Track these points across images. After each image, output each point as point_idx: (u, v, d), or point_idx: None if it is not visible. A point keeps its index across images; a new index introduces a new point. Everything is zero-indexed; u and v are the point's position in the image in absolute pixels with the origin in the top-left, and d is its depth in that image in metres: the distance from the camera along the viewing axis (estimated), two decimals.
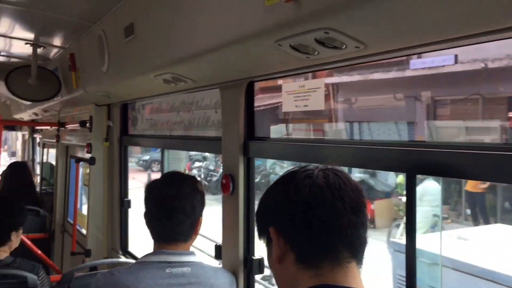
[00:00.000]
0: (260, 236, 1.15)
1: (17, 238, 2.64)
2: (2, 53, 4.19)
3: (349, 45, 1.26)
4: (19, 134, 10.70)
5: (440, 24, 1.06)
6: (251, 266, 2.14)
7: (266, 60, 1.66)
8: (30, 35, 3.59)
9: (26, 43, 3.69)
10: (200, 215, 1.87)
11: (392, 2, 1.02)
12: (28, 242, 3.90)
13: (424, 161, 1.34)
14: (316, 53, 1.37)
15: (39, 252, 3.99)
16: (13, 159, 8.10)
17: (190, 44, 1.83)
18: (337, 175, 1.06)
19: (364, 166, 1.65)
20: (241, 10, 1.45)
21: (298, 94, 1.87)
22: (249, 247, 2.18)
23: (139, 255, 3.51)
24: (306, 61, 1.48)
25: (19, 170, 5.48)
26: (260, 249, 1.18)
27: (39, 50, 3.76)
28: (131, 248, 3.78)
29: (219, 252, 2.32)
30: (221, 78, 2.16)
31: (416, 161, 1.36)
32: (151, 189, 1.87)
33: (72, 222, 4.46)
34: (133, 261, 2.91)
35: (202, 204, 1.88)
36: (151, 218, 1.84)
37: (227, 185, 2.20)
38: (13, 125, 8.54)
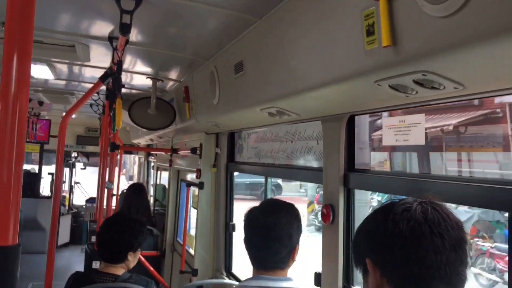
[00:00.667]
0: (356, 265, 1.17)
1: (135, 257, 2.79)
2: (126, 86, 4.64)
3: (447, 86, 1.29)
4: (136, 158, 11.55)
5: None
6: None
7: (366, 97, 1.73)
8: (150, 70, 3.97)
9: (147, 77, 4.08)
10: (297, 242, 1.91)
11: (489, 46, 1.05)
12: (143, 259, 4.22)
13: None
14: (415, 92, 1.42)
15: (152, 269, 4.30)
16: (131, 183, 8.76)
17: (294, 81, 1.95)
18: (436, 210, 1.06)
19: (465, 203, 1.64)
20: (342, 52, 1.54)
21: (398, 128, 1.91)
22: (348, 276, 2.22)
23: (241, 276, 3.66)
24: (405, 99, 1.53)
25: (137, 191, 5.91)
26: (360, 279, 1.22)
27: (158, 83, 4.14)
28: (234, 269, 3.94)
29: (318, 280, 2.38)
30: (323, 112, 2.26)
31: None
32: (250, 217, 1.93)
33: (181, 242, 4.75)
34: (236, 282, 3.05)
35: (298, 232, 1.91)
36: (249, 245, 1.91)
37: (327, 215, 2.26)
38: (132, 150, 9.26)
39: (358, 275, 2.09)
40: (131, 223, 2.81)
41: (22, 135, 0.84)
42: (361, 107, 1.96)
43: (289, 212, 1.92)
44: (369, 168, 2.21)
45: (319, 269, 2.39)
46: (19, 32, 0.84)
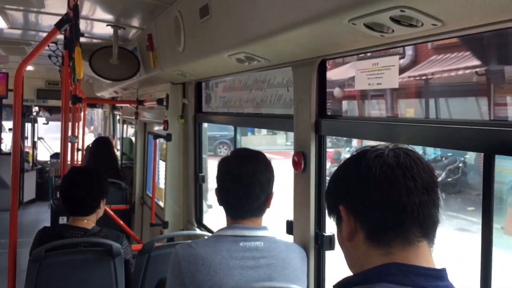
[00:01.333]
0: (330, 214, 1.17)
1: (102, 207, 2.80)
2: (85, 35, 4.43)
3: (425, 22, 1.24)
4: (100, 111, 11.29)
5: None
6: (322, 242, 2.18)
7: (339, 38, 1.66)
8: (111, 17, 3.77)
9: (108, 25, 3.88)
10: (272, 188, 1.93)
11: None
12: (112, 213, 4.16)
13: (505, 140, 1.29)
14: (391, 31, 1.36)
15: (121, 222, 4.25)
16: None
17: (264, 24, 1.85)
18: (408, 154, 1.06)
19: (439, 145, 1.62)
20: None
21: (371, 72, 1.85)
22: (320, 223, 2.21)
23: (212, 227, 3.66)
24: (380, 39, 1.47)
25: (103, 145, 5.80)
26: (331, 226, 1.21)
27: (119, 32, 3.95)
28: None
29: (290, 228, 2.38)
30: (293, 57, 2.18)
31: (496, 141, 1.32)
32: (227, 166, 1.92)
33: (150, 195, 4.70)
34: (208, 233, 3.04)
35: (273, 178, 1.94)
36: (227, 194, 1.90)
37: (298, 163, 2.23)
38: (95, 103, 9.01)
39: (329, 222, 2.10)
40: (93, 174, 2.79)
41: None
42: (333, 50, 1.89)
43: (264, 158, 1.95)
44: (340, 114, 2.16)
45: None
46: None
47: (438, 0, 1.11)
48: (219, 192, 1.94)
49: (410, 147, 1.10)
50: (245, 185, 1.85)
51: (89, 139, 8.51)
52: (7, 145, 10.24)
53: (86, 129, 7.72)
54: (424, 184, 1.03)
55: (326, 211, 1.19)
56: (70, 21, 2.71)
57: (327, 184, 1.19)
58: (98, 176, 2.78)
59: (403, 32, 1.35)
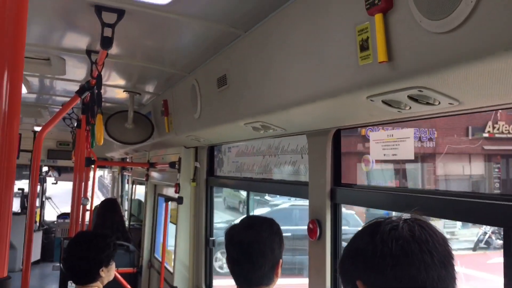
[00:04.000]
0: (346, 287, 1.16)
1: (109, 272, 2.70)
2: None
3: (442, 101, 1.29)
4: (107, 171, 11.33)
5: None
6: None
7: (356, 112, 1.72)
8: (127, 83, 3.90)
9: (124, 91, 4.01)
10: (280, 257, 1.89)
11: (487, 63, 1.05)
12: (119, 276, 4.11)
13: None
14: (408, 108, 1.41)
15: (128, 286, 4.19)
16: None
17: (281, 96, 1.92)
18: (422, 227, 1.06)
19: (453, 217, 1.64)
20: (334, 67, 1.53)
21: (386, 143, 1.90)
22: None
23: None
24: (397, 114, 1.52)
25: (110, 207, 5.79)
26: None
27: (135, 97, 4.06)
28: None
29: None
30: (309, 127, 2.24)
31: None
32: (231, 234, 1.92)
33: (158, 258, 4.65)
34: None
35: (281, 247, 1.90)
36: (232, 262, 1.88)
37: (314, 230, 2.23)
38: (107, 165, 9.09)
39: None
40: (95, 239, 2.72)
41: (14, 151, 0.79)
42: (349, 122, 1.95)
43: (270, 226, 1.92)
44: (355, 183, 2.19)
45: None
46: (8, 47, 0.79)
47: (456, 83, 1.17)
48: (227, 260, 1.93)
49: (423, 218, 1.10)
50: (246, 252, 1.83)
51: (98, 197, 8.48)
52: (13, 205, 10.21)
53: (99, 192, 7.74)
54: (441, 258, 1.03)
55: (342, 284, 1.18)
56: (91, 88, 2.82)
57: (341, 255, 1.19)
58: (98, 243, 2.69)
59: (420, 109, 1.40)
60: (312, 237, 2.25)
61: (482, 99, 1.25)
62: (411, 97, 1.33)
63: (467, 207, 1.50)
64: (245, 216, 2.16)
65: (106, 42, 2.10)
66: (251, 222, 1.94)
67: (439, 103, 1.30)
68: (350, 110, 1.71)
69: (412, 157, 1.79)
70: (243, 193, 12.31)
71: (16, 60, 0.80)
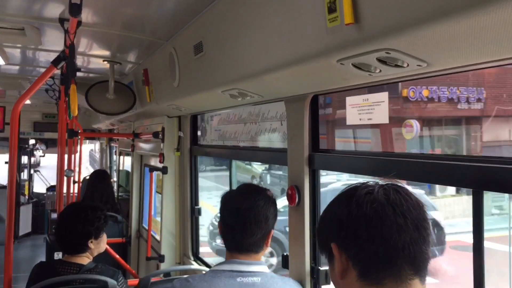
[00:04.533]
0: (322, 251, 1.18)
1: (99, 244, 2.73)
2: (82, 70, 4.49)
3: (411, 63, 1.27)
4: (97, 143, 11.30)
5: (503, 43, 1.06)
6: (318, 277, 2.17)
7: (329, 77, 1.70)
8: (108, 53, 3.83)
9: (104, 60, 3.94)
10: (272, 227, 1.93)
11: (453, 22, 1.03)
12: (108, 247, 4.13)
13: (492, 176, 1.32)
14: (378, 71, 1.40)
15: (118, 256, 4.22)
16: None
17: (256, 62, 1.90)
18: (398, 191, 1.07)
19: (429, 180, 1.64)
20: (304, 32, 1.50)
21: (362, 107, 1.89)
22: (315, 257, 2.21)
23: (208, 261, 3.64)
24: (368, 78, 1.51)
25: (100, 178, 5.79)
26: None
27: (115, 67, 4.00)
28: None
29: (286, 262, 2.37)
30: (286, 93, 2.22)
31: (484, 177, 1.34)
32: (227, 200, 1.95)
33: (146, 227, 4.68)
34: (204, 267, 3.02)
35: (274, 217, 1.93)
36: (225, 228, 1.91)
37: (293, 196, 2.24)
38: (92, 136, 9.05)
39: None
40: (84, 211, 2.73)
41: None
42: (324, 86, 1.93)
43: (267, 195, 1.95)
44: (333, 148, 2.19)
45: None
46: None
47: (421, 44, 1.15)
48: (219, 224, 1.96)
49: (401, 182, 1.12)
50: (241, 219, 1.86)
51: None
52: (1, 178, 10.21)
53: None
54: (414, 221, 1.04)
55: (318, 248, 1.20)
56: (66, 58, 2.75)
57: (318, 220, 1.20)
58: (88, 215, 2.70)
59: (390, 72, 1.38)
60: (291, 203, 2.26)
61: (450, 60, 1.24)
62: (380, 60, 1.31)
63: (444, 170, 1.50)
64: (241, 184, 2.18)
65: (75, 9, 2.04)
66: (249, 189, 1.97)
67: (408, 65, 1.29)
68: (323, 75, 1.69)
69: (387, 121, 1.78)
70: (256, 167, 11.68)
71: None
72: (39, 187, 11.11)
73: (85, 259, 2.68)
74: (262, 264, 1.90)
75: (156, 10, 2.56)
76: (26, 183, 10.28)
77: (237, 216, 1.87)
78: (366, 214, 1.05)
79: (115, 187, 7.20)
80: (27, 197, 10.00)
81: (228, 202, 1.94)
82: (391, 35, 1.16)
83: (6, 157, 9.84)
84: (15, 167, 2.91)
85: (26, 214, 9.44)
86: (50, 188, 9.83)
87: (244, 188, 2.01)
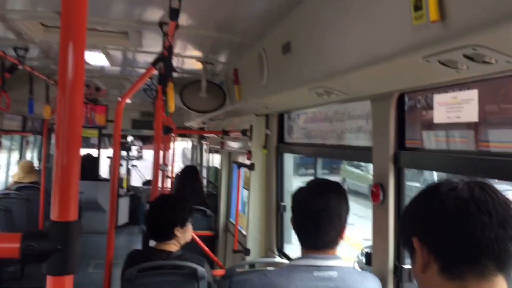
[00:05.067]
0: (404, 245, 1.20)
1: (184, 233, 2.89)
2: (177, 70, 4.75)
3: (499, 60, 1.26)
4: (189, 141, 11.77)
5: None
6: (401, 275, 2.16)
7: (415, 74, 1.70)
8: (201, 54, 4.04)
9: (197, 61, 4.15)
10: (346, 221, 1.92)
11: None
12: (197, 238, 4.34)
13: None
14: (465, 67, 1.39)
15: (206, 248, 4.42)
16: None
17: (341, 60, 1.94)
18: (483, 188, 1.06)
19: None
20: (389, 29, 1.52)
21: (450, 105, 1.86)
22: (399, 255, 2.20)
23: (292, 255, 3.70)
24: (455, 75, 1.49)
25: (190, 173, 6.06)
26: None
27: (208, 67, 4.20)
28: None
29: (369, 259, 2.38)
30: (371, 91, 2.23)
31: None
32: (299, 199, 1.94)
33: (233, 222, 4.85)
34: (287, 261, 3.10)
35: (347, 212, 1.92)
36: (299, 227, 1.93)
37: (377, 194, 2.25)
38: (184, 133, 9.46)
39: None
40: (171, 201, 2.93)
41: (78, 119, 0.90)
42: (410, 84, 1.93)
43: (338, 192, 1.93)
44: (420, 147, 2.17)
45: None
46: (74, 21, 0.90)
47: (508, 39, 1.14)
48: (292, 222, 1.96)
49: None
50: (314, 220, 1.86)
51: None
52: (103, 171, 10.97)
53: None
54: (500, 218, 1.03)
55: (400, 242, 1.22)
56: (164, 59, 2.96)
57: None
58: (174, 205, 2.89)
59: (477, 69, 1.37)
60: (376, 201, 2.27)
61: None
62: (466, 56, 1.30)
63: None
64: (311, 179, 2.19)
65: (174, 14, 2.21)
66: (319, 188, 1.94)
67: (496, 61, 1.27)
68: (409, 72, 1.70)
69: (476, 119, 1.74)
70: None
71: (79, 32, 0.90)
72: (135, 181, 11.83)
73: (173, 247, 2.85)
74: (338, 258, 1.89)
75: (246, 12, 2.68)
76: (125, 177, 10.99)
77: (310, 217, 1.87)
78: (448, 210, 1.05)
79: (205, 183, 7.48)
80: (125, 189, 10.67)
81: (300, 203, 1.92)
82: (477, 31, 1.16)
83: (108, 152, 10.60)
84: (117, 162, 3.18)
85: (124, 205, 10.07)
86: (146, 183, 10.43)
87: (314, 186, 1.98)
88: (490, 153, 1.78)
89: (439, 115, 1.97)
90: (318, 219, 1.86)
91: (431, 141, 2.05)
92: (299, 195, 1.96)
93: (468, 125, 1.84)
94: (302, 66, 2.40)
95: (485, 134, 1.80)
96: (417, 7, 1.33)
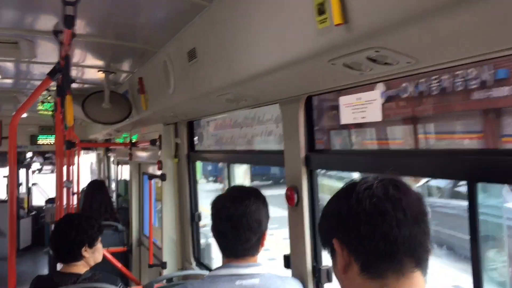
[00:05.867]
0: (324, 247, 1.20)
1: (94, 253, 2.73)
2: (77, 81, 4.50)
3: (401, 61, 1.30)
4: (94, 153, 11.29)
5: (485, 39, 1.09)
6: (320, 276, 2.19)
7: (321, 77, 1.72)
8: (102, 63, 3.85)
9: (99, 71, 3.96)
10: (266, 228, 1.93)
11: (441, 19, 1.05)
12: (109, 255, 4.15)
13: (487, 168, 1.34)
14: (369, 69, 1.42)
15: (119, 265, 4.23)
16: None
17: (249, 66, 1.92)
18: (396, 186, 1.09)
19: (425, 175, 1.67)
20: (295, 34, 1.52)
21: (355, 106, 1.91)
22: (316, 256, 2.23)
23: (210, 265, 3.65)
24: (360, 77, 1.53)
25: (97, 188, 5.80)
26: (328, 258, 1.24)
27: (110, 76, 4.02)
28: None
29: (288, 262, 2.39)
30: (280, 95, 2.24)
31: (478, 169, 1.37)
32: (218, 207, 1.93)
33: (147, 235, 4.69)
34: (206, 272, 3.04)
35: (267, 218, 1.93)
36: (218, 235, 1.91)
37: (291, 197, 2.26)
38: (89, 147, 9.03)
39: (325, 255, 2.11)
40: (77, 220, 2.75)
41: None
42: (317, 87, 1.96)
43: (257, 198, 1.94)
44: (329, 148, 2.21)
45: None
46: None
47: (409, 42, 1.18)
48: (213, 230, 1.95)
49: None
50: (234, 226, 1.85)
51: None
52: (0, 192, 10.19)
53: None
54: (414, 215, 1.06)
55: (321, 244, 1.22)
56: (61, 70, 2.78)
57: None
58: (81, 224, 2.72)
59: (380, 70, 1.41)
60: (290, 204, 2.28)
61: (439, 56, 1.26)
62: (370, 59, 1.34)
63: (439, 164, 1.52)
64: (231, 187, 2.17)
65: (69, 21, 2.06)
66: (238, 195, 1.95)
67: (398, 62, 1.31)
68: (316, 76, 1.72)
69: (380, 119, 1.81)
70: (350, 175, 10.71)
71: None
72: (39, 200, 11.10)
73: (82, 268, 2.67)
74: (260, 265, 1.91)
75: (147, 18, 2.58)
76: (25, 197, 10.27)
77: (230, 223, 1.86)
78: (365, 209, 1.07)
79: (114, 197, 7.20)
80: (26, 210, 9.98)
81: (219, 210, 1.91)
82: (380, 34, 1.19)
83: (5, 171, 9.83)
84: (15, 181, 2.93)
85: (26, 227, 9.42)
86: (49, 201, 9.81)
87: (234, 192, 1.99)
88: (392, 151, 1.86)
89: (345, 116, 2.02)
90: (238, 226, 1.85)
91: (341, 141, 2.10)
92: (219, 202, 1.95)
93: (373, 125, 1.91)
94: (209, 72, 2.35)
95: (389, 132, 1.87)
96: (321, 11, 1.34)
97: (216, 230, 1.92)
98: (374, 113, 1.81)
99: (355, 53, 1.32)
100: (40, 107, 6.69)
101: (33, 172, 10.70)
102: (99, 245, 2.79)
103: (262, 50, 1.78)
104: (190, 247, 3.93)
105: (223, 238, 1.89)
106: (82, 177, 5.98)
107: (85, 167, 11.90)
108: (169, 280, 3.31)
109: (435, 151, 1.63)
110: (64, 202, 4.37)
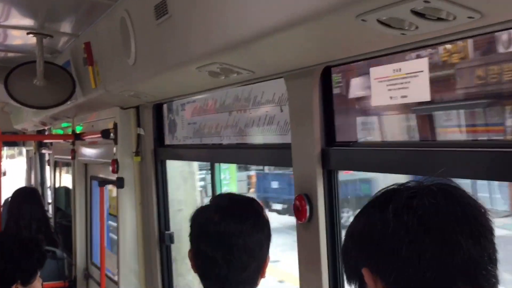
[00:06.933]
0: (349, 280, 1.21)
1: None
2: None
3: (459, 15, 1.29)
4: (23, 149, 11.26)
5: None
6: None
7: (346, 40, 1.73)
8: (33, 22, 3.83)
9: (29, 33, 3.94)
10: (268, 253, 1.91)
11: None
12: None
13: None
14: (414, 28, 1.42)
15: None
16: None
17: (243, 25, 1.91)
18: (450, 193, 1.10)
19: (490, 177, 1.67)
20: None
21: (392, 81, 1.91)
22: None
23: None
24: (400, 38, 1.53)
25: (26, 199, 5.78)
26: None
27: (45, 41, 4.00)
28: None
29: None
30: (286, 66, 2.24)
31: None
32: (201, 221, 1.90)
33: (98, 264, 4.68)
34: None
35: (269, 240, 1.91)
36: (203, 260, 1.87)
37: (302, 209, 2.26)
38: (15, 140, 8.98)
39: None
40: (6, 245, 2.75)
41: None
42: (339, 54, 1.96)
43: (256, 211, 1.92)
44: (355, 140, 2.21)
45: None
46: None
47: None
48: (192, 255, 1.91)
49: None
50: (227, 249, 1.81)
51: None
52: None
53: None
54: (475, 233, 1.07)
55: (345, 276, 1.22)
56: None
57: (343, 237, 1.22)
58: (13, 251, 2.72)
59: (430, 29, 1.41)
60: (301, 219, 2.28)
61: (509, 9, 1.26)
62: (415, 12, 1.33)
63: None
64: (217, 195, 2.14)
65: None
66: (231, 205, 1.93)
67: (455, 17, 1.31)
68: (337, 38, 1.72)
69: (428, 98, 1.80)
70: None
71: None
72: None
73: None
74: None
75: None
76: None
77: (220, 244, 1.83)
78: (407, 226, 1.08)
79: (51, 211, 7.18)
80: None
81: (204, 226, 1.89)
82: None
83: None
84: None
85: None
86: None
87: (223, 202, 1.96)
88: (442, 143, 1.86)
89: (378, 94, 2.02)
90: (231, 248, 1.81)
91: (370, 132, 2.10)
92: (202, 215, 1.92)
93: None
94: (186, 34, 2.35)
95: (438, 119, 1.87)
96: None
97: (198, 256, 1.89)
98: (420, 91, 1.80)
99: (395, 4, 1.31)
100: None
101: None
102: (37, 282, 2.78)
103: (262, 2, 1.77)
104: (159, 279, 3.93)
105: (208, 264, 1.85)
106: (7, 183, 5.95)
107: (17, 171, 11.88)
108: None
109: (504, 143, 1.63)
110: None
